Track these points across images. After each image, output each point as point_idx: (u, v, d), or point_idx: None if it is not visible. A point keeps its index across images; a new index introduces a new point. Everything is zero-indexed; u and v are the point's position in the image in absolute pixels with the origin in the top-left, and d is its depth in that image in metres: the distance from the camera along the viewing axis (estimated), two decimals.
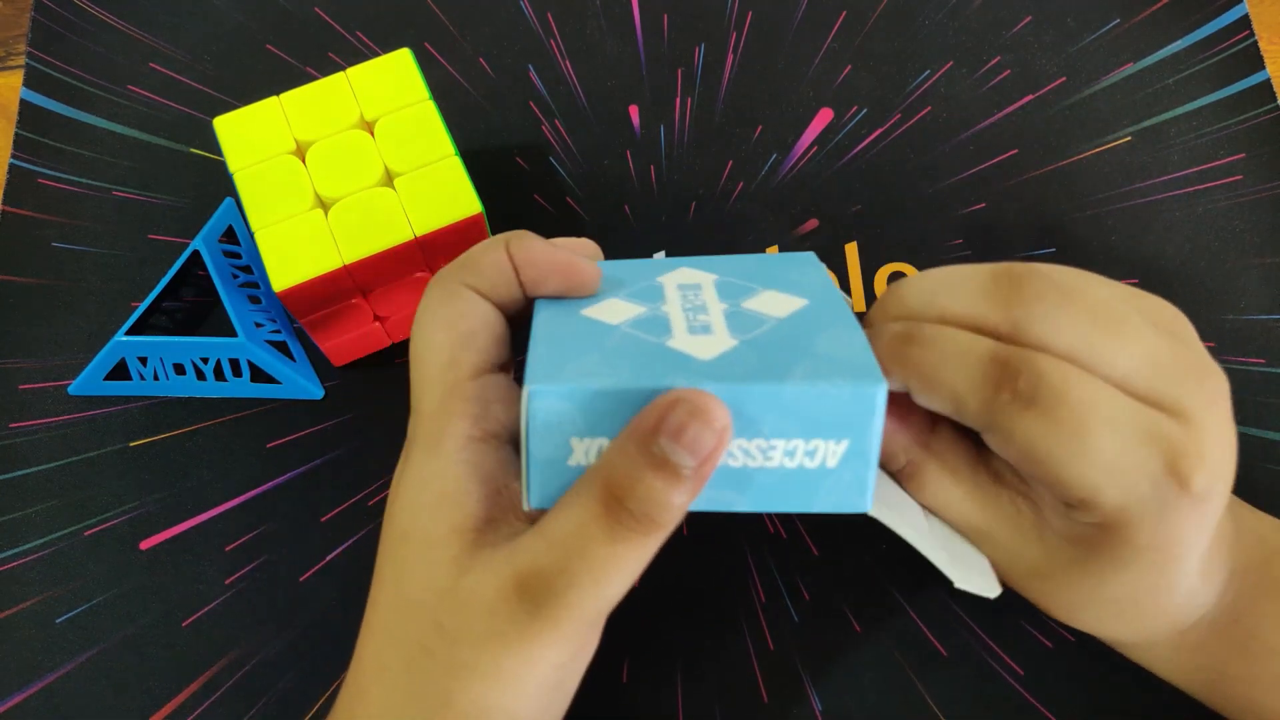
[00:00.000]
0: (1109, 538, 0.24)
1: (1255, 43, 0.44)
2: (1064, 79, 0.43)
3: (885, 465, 0.28)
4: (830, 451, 0.22)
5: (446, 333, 0.24)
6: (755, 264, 0.27)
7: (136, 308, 0.38)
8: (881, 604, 0.36)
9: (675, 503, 0.21)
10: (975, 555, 0.28)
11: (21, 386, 0.39)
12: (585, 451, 0.22)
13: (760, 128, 0.43)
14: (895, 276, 0.40)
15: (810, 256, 0.28)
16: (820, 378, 0.22)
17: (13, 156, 0.43)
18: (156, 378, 0.38)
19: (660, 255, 0.35)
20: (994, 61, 0.44)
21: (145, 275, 0.40)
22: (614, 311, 0.25)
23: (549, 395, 0.22)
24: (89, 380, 0.38)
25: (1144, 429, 0.23)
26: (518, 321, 0.26)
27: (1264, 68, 0.43)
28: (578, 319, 0.25)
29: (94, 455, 0.38)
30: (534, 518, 0.24)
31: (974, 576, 0.27)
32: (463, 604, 0.22)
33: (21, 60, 0.45)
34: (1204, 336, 0.30)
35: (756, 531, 0.37)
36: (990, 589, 0.27)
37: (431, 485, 0.23)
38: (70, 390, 0.39)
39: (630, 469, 0.21)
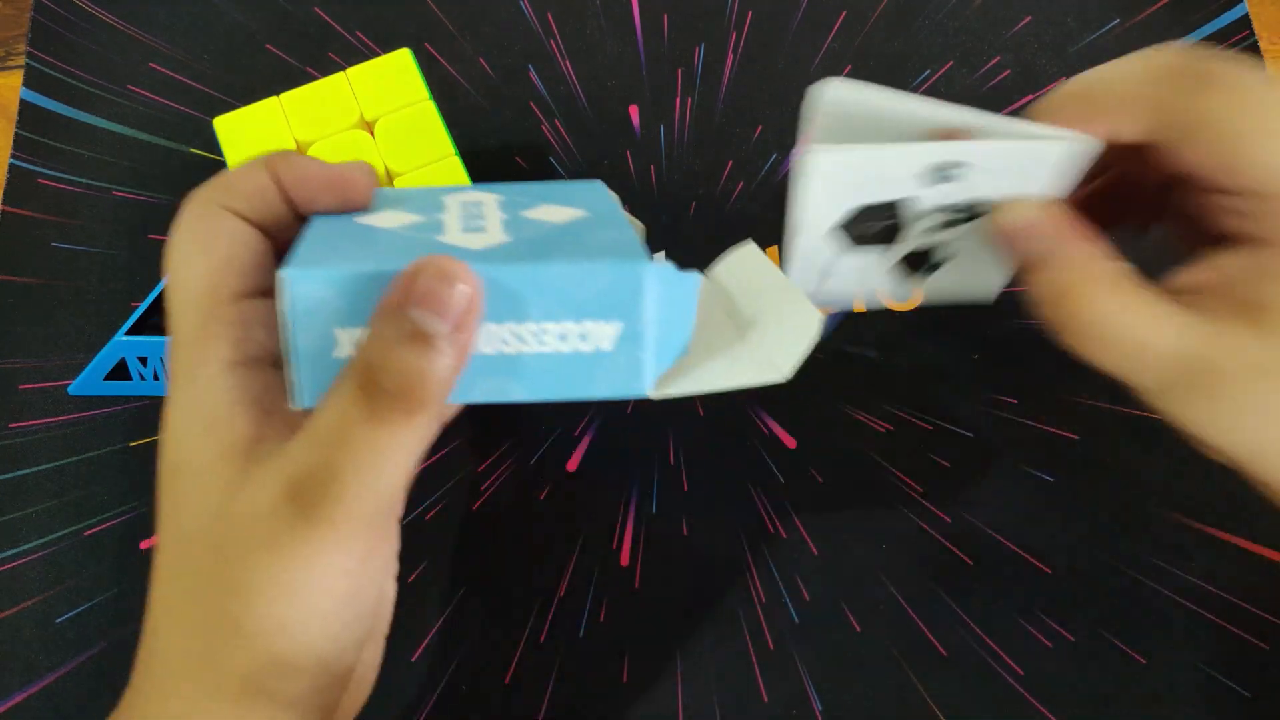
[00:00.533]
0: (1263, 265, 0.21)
1: (1255, 43, 0.44)
2: (1064, 79, 0.43)
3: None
4: (603, 334, 0.22)
5: (203, 257, 0.23)
6: (543, 188, 0.27)
7: (136, 308, 0.38)
8: (881, 604, 0.36)
9: (434, 372, 0.21)
10: (789, 331, 0.26)
11: (21, 386, 0.39)
12: (352, 342, 0.22)
13: (760, 128, 0.43)
14: None
15: (598, 184, 0.27)
16: (585, 258, 0.22)
17: (13, 156, 0.43)
18: (156, 378, 0.38)
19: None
20: (994, 61, 0.44)
21: (145, 275, 0.40)
22: (389, 219, 0.24)
23: (307, 280, 0.21)
24: (89, 380, 0.38)
25: None
26: (284, 245, 0.24)
27: (1264, 68, 0.43)
28: (350, 224, 0.24)
29: (94, 455, 0.38)
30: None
31: (783, 354, 0.25)
32: (236, 522, 0.21)
33: (21, 60, 0.45)
34: None
35: (756, 531, 0.37)
36: (791, 358, 0.25)
37: (195, 413, 0.22)
38: (70, 390, 0.39)
39: (381, 345, 0.21)
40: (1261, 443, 0.23)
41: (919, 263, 0.27)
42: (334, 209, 0.25)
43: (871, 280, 0.27)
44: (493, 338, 0.22)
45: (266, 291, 0.24)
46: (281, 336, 0.22)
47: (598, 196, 0.26)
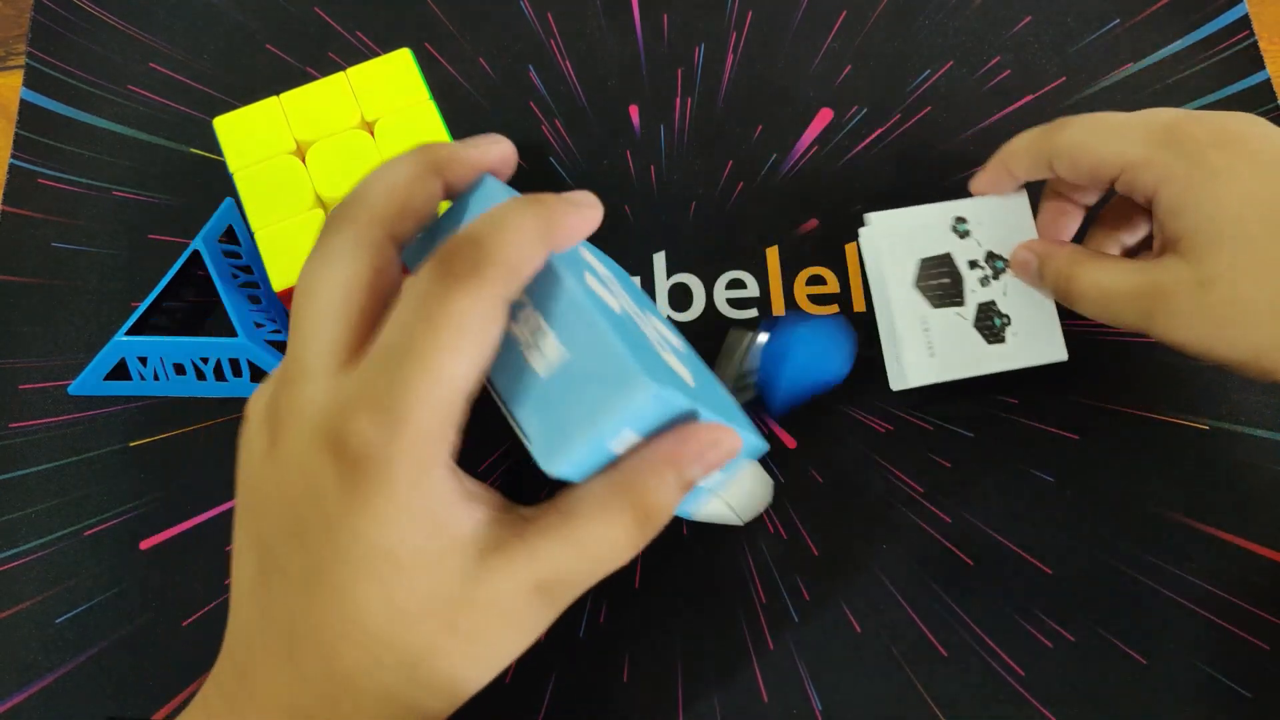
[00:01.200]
0: (1168, 204, 0.30)
1: (1255, 43, 0.44)
2: (1064, 79, 0.43)
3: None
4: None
5: (477, 357, 0.22)
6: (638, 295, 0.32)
7: (136, 308, 0.38)
8: (881, 604, 0.36)
9: (503, 246, 0.22)
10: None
11: (21, 386, 0.39)
12: (626, 443, 0.24)
13: (760, 128, 0.43)
14: None
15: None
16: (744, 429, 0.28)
17: (13, 156, 0.43)
18: (156, 378, 0.38)
19: (660, 256, 0.35)
20: (994, 61, 0.44)
21: (145, 275, 0.40)
22: (598, 290, 0.26)
23: (655, 397, 0.23)
24: (89, 380, 0.38)
25: (1147, 114, 0.32)
26: None
27: (1264, 68, 0.43)
28: (587, 288, 0.25)
29: (94, 455, 0.38)
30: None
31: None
32: (484, 607, 0.23)
33: (21, 60, 0.45)
34: None
35: (756, 531, 0.37)
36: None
37: (423, 510, 0.22)
38: (70, 390, 0.39)
39: (664, 490, 0.24)
40: (1222, 332, 0.30)
41: (991, 328, 0.36)
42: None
43: (966, 348, 0.36)
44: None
45: None
46: (582, 405, 0.23)
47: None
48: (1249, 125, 0.30)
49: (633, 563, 0.36)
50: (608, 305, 0.25)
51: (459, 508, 0.23)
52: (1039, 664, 0.35)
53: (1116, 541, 0.36)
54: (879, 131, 0.43)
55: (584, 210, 0.25)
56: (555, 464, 0.23)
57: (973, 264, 0.36)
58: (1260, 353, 0.29)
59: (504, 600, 0.23)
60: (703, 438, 0.24)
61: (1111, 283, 0.32)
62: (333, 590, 0.23)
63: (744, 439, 0.26)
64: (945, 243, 0.36)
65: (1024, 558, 0.36)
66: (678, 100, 0.44)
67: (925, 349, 0.35)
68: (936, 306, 0.36)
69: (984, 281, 0.36)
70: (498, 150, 0.27)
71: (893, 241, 0.36)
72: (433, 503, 0.22)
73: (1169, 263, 0.30)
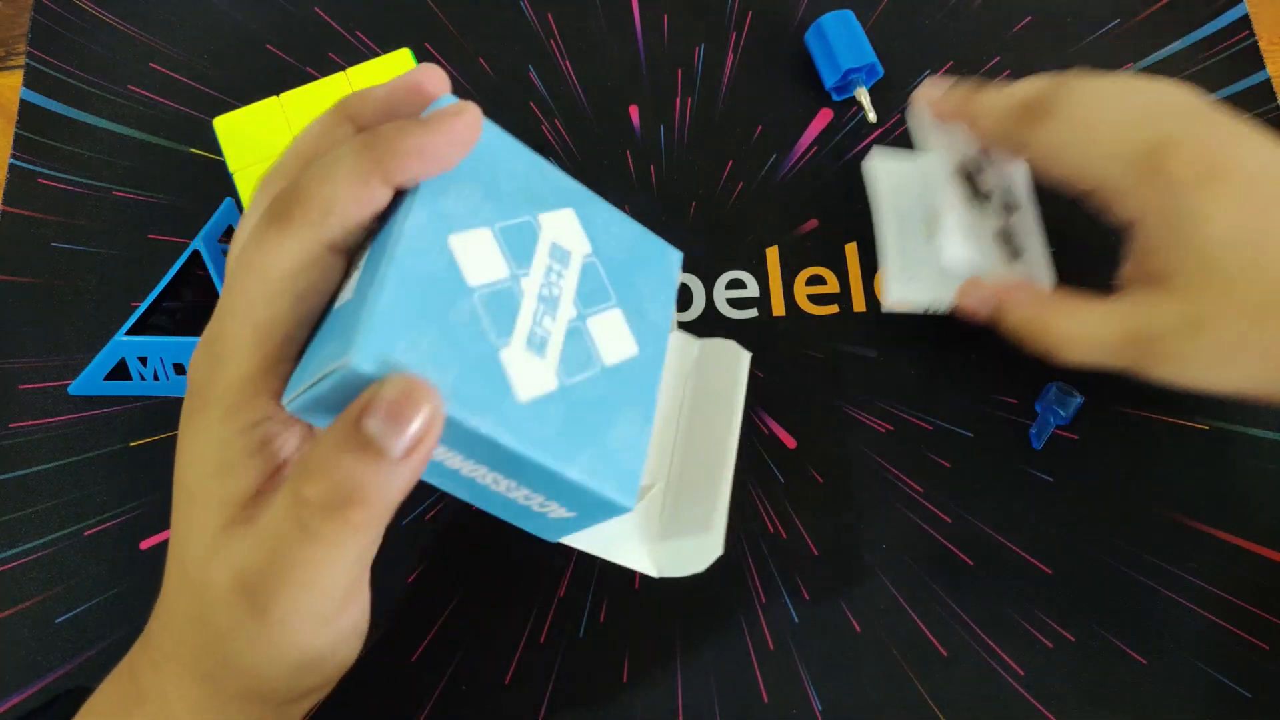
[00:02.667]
0: (1152, 243, 0.29)
1: (1255, 43, 0.44)
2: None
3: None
4: (559, 511, 0.25)
5: (282, 298, 0.22)
6: (629, 244, 0.28)
7: (136, 308, 0.38)
8: (881, 604, 0.36)
9: (378, 487, 0.20)
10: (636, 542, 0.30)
11: (21, 386, 0.39)
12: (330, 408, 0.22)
13: (760, 128, 0.43)
14: None
15: (674, 261, 0.29)
16: (595, 478, 0.24)
17: (13, 156, 0.43)
18: (156, 378, 0.38)
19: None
20: (994, 61, 0.44)
21: (145, 275, 0.40)
22: (479, 261, 0.23)
23: (371, 364, 0.20)
24: (89, 380, 0.38)
25: (1134, 124, 0.29)
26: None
27: (1264, 68, 0.43)
28: (441, 251, 0.23)
29: (94, 455, 0.38)
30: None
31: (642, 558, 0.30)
32: (209, 582, 0.23)
33: (21, 60, 0.45)
34: None
35: (756, 531, 0.37)
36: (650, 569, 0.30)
37: (215, 452, 0.22)
38: (70, 390, 0.39)
39: (327, 450, 0.20)
40: (1214, 373, 0.29)
41: (1009, 245, 0.36)
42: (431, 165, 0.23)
43: (981, 245, 0.35)
44: (472, 469, 0.23)
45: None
46: (316, 339, 0.23)
47: (662, 298, 0.28)
48: (1238, 150, 0.28)
49: None
50: (444, 257, 0.23)
51: (249, 463, 0.23)
52: (1039, 664, 0.35)
53: (1116, 541, 0.36)
54: (879, 131, 0.43)
55: (428, 128, 0.22)
56: (287, 401, 0.23)
57: (989, 195, 0.37)
58: (1256, 385, 0.29)
59: (219, 588, 0.22)
60: (371, 385, 0.20)
61: (1096, 331, 0.30)
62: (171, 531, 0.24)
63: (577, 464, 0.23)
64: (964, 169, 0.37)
65: (1024, 558, 0.36)
66: (678, 100, 0.44)
67: (961, 231, 0.34)
68: (971, 201, 0.36)
69: (1007, 209, 0.37)
70: (465, 126, 0.23)
71: (933, 147, 0.36)
72: (228, 447, 0.22)
73: (1157, 303, 0.29)
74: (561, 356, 0.24)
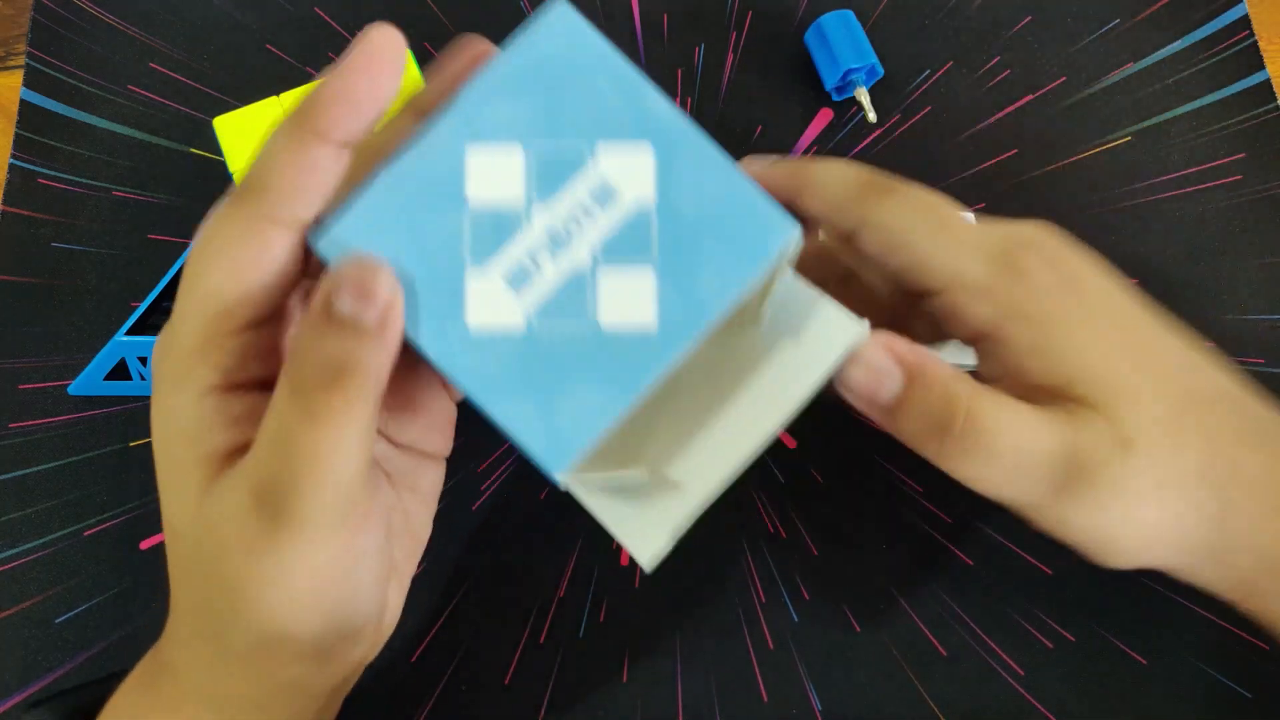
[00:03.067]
0: (1027, 348, 0.24)
1: (1255, 43, 0.44)
2: (1064, 79, 0.43)
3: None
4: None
5: (229, 280, 0.22)
6: (718, 203, 0.23)
7: (136, 308, 0.38)
8: (881, 604, 0.36)
9: (360, 359, 0.21)
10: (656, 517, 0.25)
11: (21, 386, 0.39)
12: None
13: (760, 128, 0.43)
14: None
15: (778, 238, 0.22)
16: (524, 430, 0.22)
17: (13, 156, 0.43)
18: None
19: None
20: (994, 61, 0.44)
21: (145, 275, 0.40)
22: (490, 176, 0.22)
23: (335, 253, 0.21)
24: (89, 380, 0.38)
25: (983, 223, 0.26)
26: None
27: (1264, 68, 0.43)
28: (454, 158, 0.22)
29: (94, 455, 0.38)
30: None
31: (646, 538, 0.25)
32: (211, 525, 0.22)
33: (21, 60, 0.45)
34: (1204, 336, 0.30)
35: (756, 531, 0.37)
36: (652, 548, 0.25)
37: (175, 420, 0.23)
38: (70, 390, 0.39)
39: (307, 336, 0.21)
40: (1139, 508, 0.24)
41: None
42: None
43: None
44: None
45: (278, 313, 0.24)
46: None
47: (721, 287, 0.22)
48: (1083, 268, 0.26)
49: (633, 562, 0.36)
50: (455, 165, 0.21)
51: (218, 426, 0.23)
52: (1039, 664, 0.35)
53: None
54: (879, 131, 0.43)
55: (342, 73, 0.21)
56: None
57: None
58: (1180, 531, 0.25)
59: (226, 515, 0.22)
60: (331, 267, 0.21)
61: (1031, 443, 0.24)
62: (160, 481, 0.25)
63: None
64: None
65: (1024, 558, 0.36)
66: (678, 100, 0.44)
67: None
68: None
69: None
70: (383, 58, 0.22)
71: None
72: (191, 417, 0.23)
73: (1083, 418, 0.24)
74: (545, 300, 0.22)
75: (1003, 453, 0.24)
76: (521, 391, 0.22)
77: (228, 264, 0.22)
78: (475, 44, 0.24)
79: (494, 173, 0.22)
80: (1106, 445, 0.23)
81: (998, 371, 0.26)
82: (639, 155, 0.22)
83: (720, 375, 0.25)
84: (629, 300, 0.22)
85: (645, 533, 0.25)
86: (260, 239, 0.22)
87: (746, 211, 0.22)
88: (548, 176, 0.22)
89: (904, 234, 0.26)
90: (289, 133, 0.21)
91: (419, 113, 0.24)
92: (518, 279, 0.22)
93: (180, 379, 0.23)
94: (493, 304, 0.21)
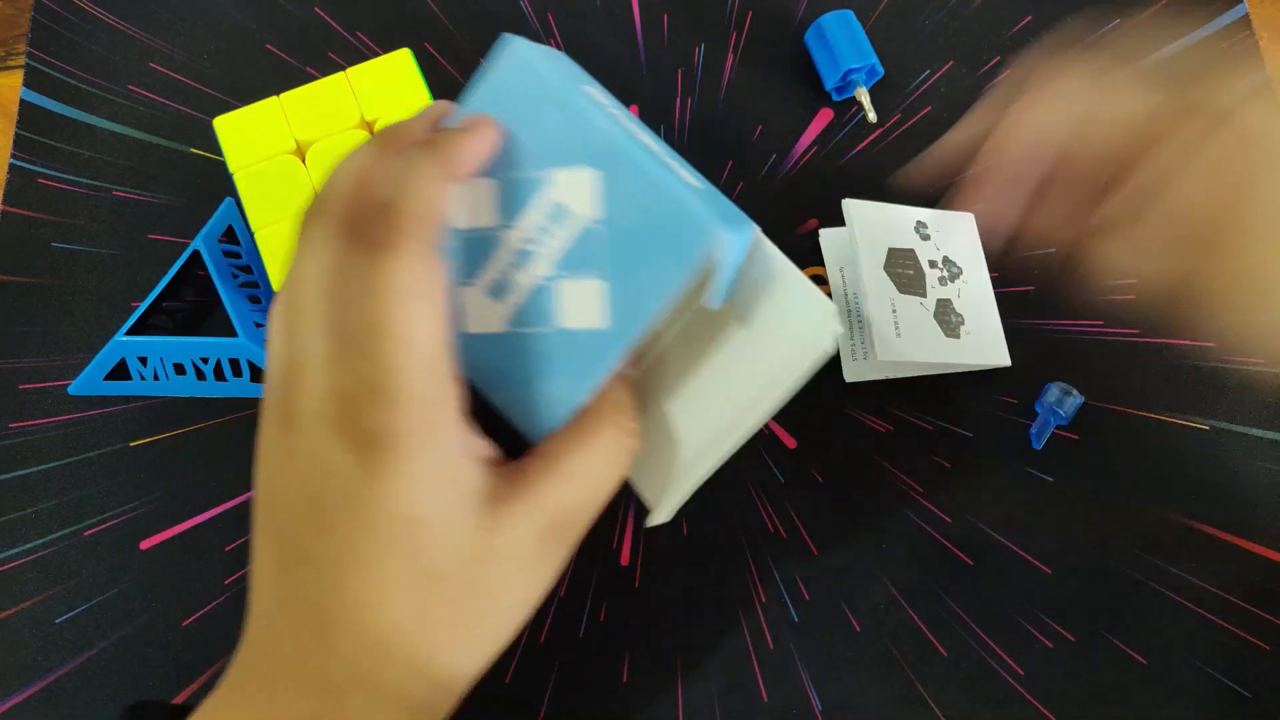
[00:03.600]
0: None
1: (1255, 43, 0.44)
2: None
3: None
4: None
5: (434, 311, 0.24)
6: (654, 217, 0.25)
7: (136, 308, 0.38)
8: (881, 604, 0.36)
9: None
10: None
11: (21, 386, 0.39)
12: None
13: (760, 128, 0.43)
14: None
15: (703, 242, 0.25)
16: (511, 409, 0.27)
17: (13, 156, 0.43)
18: (156, 378, 0.38)
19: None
20: (994, 61, 0.44)
21: (145, 275, 0.40)
22: (471, 207, 0.26)
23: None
24: (89, 380, 0.38)
25: None
26: None
27: (1264, 68, 0.43)
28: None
29: (94, 455, 0.38)
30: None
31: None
32: (502, 558, 0.24)
33: (21, 60, 0.45)
34: (1204, 336, 0.30)
35: (756, 531, 0.37)
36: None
37: (435, 471, 0.23)
38: (70, 390, 0.39)
39: (621, 395, 0.27)
40: None
41: (949, 322, 0.37)
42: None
43: (927, 335, 0.36)
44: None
45: None
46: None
47: (657, 289, 0.25)
48: None
49: (632, 563, 0.36)
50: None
51: (467, 463, 0.24)
52: (1039, 664, 0.35)
53: (1116, 541, 0.36)
54: (879, 131, 0.43)
55: (476, 134, 0.26)
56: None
57: (932, 264, 0.38)
58: None
59: (520, 547, 0.24)
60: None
61: None
62: (363, 565, 0.24)
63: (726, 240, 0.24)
64: (910, 240, 0.38)
65: (1024, 558, 0.36)
66: (678, 100, 0.44)
67: (893, 328, 0.36)
68: (902, 292, 0.36)
69: (942, 281, 0.37)
70: (495, 131, 0.26)
71: (869, 228, 0.37)
72: (443, 462, 0.24)
73: None
74: (518, 308, 0.26)
75: None
76: (507, 380, 0.27)
77: (427, 307, 0.23)
78: (442, 106, 0.29)
79: (474, 204, 0.26)
80: None
81: None
82: (585, 178, 0.25)
83: (706, 348, 0.29)
84: (583, 307, 0.26)
85: (656, 488, 0.29)
86: (440, 268, 0.24)
87: (677, 221, 0.25)
88: (513, 202, 0.26)
89: None
90: (433, 170, 0.24)
91: (396, 143, 0.27)
92: (497, 291, 0.26)
93: (429, 427, 0.23)
94: (482, 313, 0.27)
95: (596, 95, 0.27)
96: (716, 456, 0.28)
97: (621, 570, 0.36)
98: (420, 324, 0.23)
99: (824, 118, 0.43)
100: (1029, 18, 0.45)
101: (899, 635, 0.35)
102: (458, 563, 0.24)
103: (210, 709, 0.26)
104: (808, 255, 0.41)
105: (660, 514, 0.29)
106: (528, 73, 0.26)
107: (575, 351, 0.26)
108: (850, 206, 0.38)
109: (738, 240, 0.26)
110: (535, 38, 0.45)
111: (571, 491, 0.25)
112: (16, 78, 0.45)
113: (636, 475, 0.29)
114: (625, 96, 0.44)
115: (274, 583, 0.25)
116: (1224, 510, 0.36)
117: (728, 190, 0.42)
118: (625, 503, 0.37)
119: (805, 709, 0.34)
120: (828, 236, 0.40)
